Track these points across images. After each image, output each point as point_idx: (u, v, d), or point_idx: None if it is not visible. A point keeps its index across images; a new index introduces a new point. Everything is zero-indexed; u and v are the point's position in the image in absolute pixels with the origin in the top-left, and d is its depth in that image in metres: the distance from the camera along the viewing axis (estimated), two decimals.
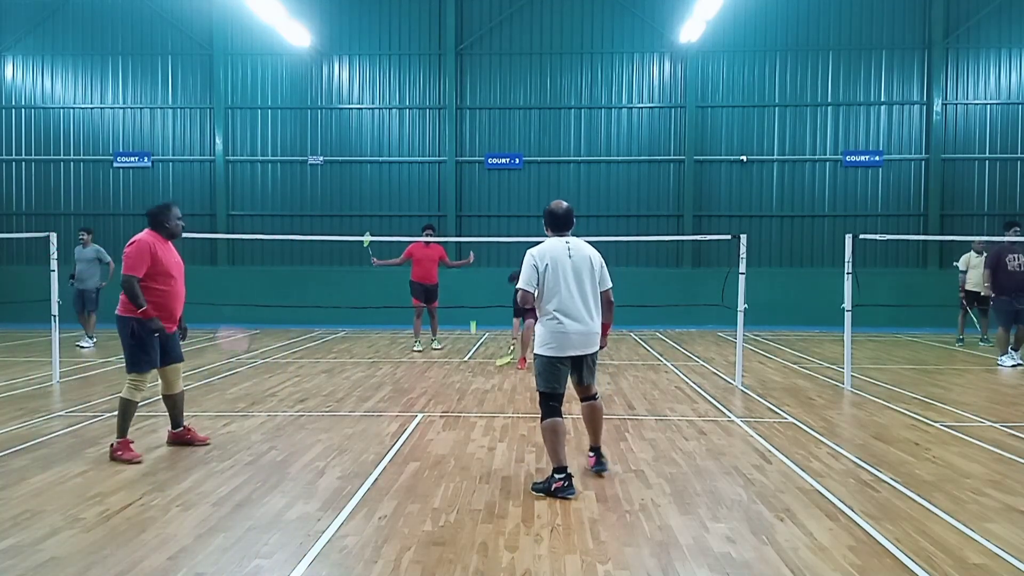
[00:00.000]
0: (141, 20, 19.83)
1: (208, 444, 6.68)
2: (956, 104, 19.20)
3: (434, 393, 9.32)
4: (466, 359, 12.48)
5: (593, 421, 5.78)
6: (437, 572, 4.03)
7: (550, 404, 5.43)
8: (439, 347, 13.78)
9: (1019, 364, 11.49)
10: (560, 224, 5.63)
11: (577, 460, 6.00)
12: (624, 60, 19.52)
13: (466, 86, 19.71)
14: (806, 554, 4.27)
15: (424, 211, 19.54)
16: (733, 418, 7.90)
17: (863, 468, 5.99)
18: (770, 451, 6.53)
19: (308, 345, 14.42)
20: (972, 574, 4.04)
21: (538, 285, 5.40)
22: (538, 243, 5.63)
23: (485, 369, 11.26)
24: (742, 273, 9.72)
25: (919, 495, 5.29)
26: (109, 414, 7.55)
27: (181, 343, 6.74)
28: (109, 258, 13.93)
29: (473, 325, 13.73)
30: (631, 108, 19.55)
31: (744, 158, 19.38)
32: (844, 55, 19.27)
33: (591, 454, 5.86)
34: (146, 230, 6.47)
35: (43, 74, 20.13)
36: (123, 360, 6.44)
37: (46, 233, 10.24)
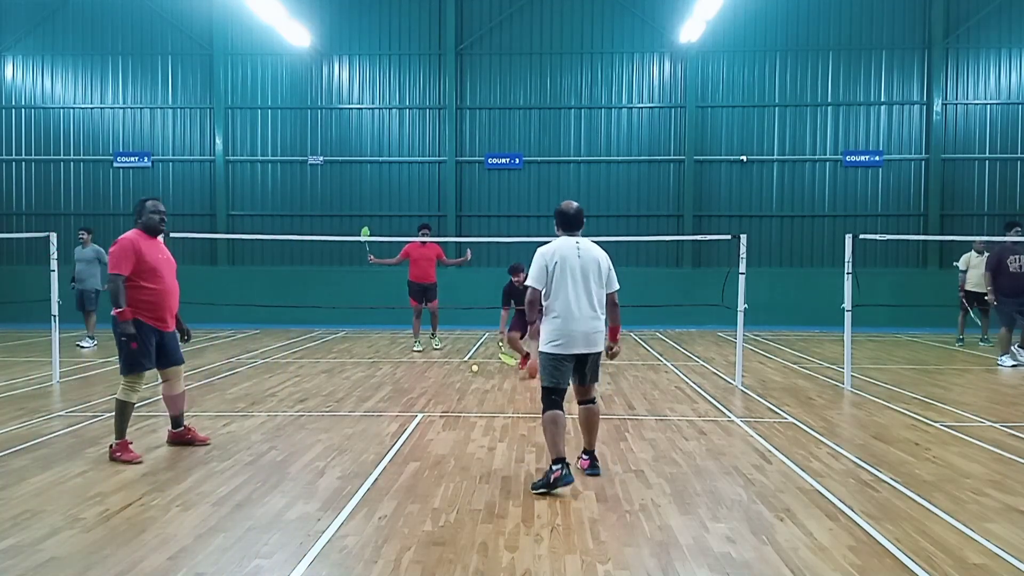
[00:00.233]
0: (141, 20, 19.83)
1: (208, 444, 6.68)
2: (956, 104, 19.20)
3: (434, 393, 9.33)
4: (466, 359, 12.48)
5: (589, 424, 5.81)
6: (437, 572, 4.03)
7: (552, 398, 5.53)
8: (439, 347, 13.79)
9: (1020, 364, 11.48)
10: (571, 224, 5.69)
11: (576, 460, 5.99)
12: (624, 60, 19.52)
13: (466, 86, 19.71)
14: (806, 554, 4.27)
15: (424, 211, 19.54)
16: (733, 418, 7.90)
17: (863, 468, 5.99)
18: (770, 451, 6.53)
19: (308, 345, 14.42)
20: (972, 574, 4.04)
21: (547, 284, 5.48)
22: (540, 243, 5.65)
23: (485, 369, 11.26)
24: (742, 273, 9.72)
25: (919, 495, 5.29)
26: (109, 414, 7.52)
27: (183, 345, 6.73)
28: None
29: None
30: (631, 108, 19.55)
31: (744, 158, 19.38)
32: (844, 55, 19.27)
33: (584, 456, 5.87)
34: (133, 228, 6.47)
35: (43, 74, 20.13)
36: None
37: (46, 233, 10.24)
